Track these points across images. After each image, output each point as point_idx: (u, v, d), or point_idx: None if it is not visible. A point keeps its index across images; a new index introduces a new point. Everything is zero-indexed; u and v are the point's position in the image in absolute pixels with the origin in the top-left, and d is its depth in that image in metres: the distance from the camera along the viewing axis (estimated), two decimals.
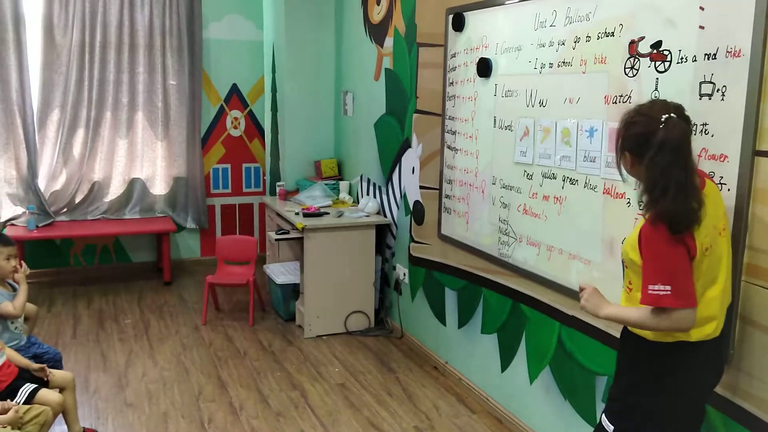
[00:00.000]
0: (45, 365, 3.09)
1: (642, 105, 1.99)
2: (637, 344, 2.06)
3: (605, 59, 2.65)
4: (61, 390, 3.13)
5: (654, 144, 1.86)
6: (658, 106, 1.95)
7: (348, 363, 4.25)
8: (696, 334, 1.95)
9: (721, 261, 1.98)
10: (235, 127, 6.44)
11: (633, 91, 2.51)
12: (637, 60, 2.50)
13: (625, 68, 2.55)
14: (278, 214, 5.15)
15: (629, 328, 2.08)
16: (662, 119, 1.88)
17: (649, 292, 1.90)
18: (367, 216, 4.82)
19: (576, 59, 2.81)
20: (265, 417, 3.54)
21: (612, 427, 2.09)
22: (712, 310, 1.96)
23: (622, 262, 2.10)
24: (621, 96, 2.57)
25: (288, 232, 4.77)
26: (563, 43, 2.88)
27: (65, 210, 5.90)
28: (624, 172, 2.05)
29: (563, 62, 2.89)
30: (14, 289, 3.30)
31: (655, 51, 2.42)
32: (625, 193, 2.56)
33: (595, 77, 2.70)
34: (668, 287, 1.86)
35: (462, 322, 3.90)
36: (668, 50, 2.36)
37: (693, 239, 1.88)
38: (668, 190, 1.85)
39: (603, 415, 2.16)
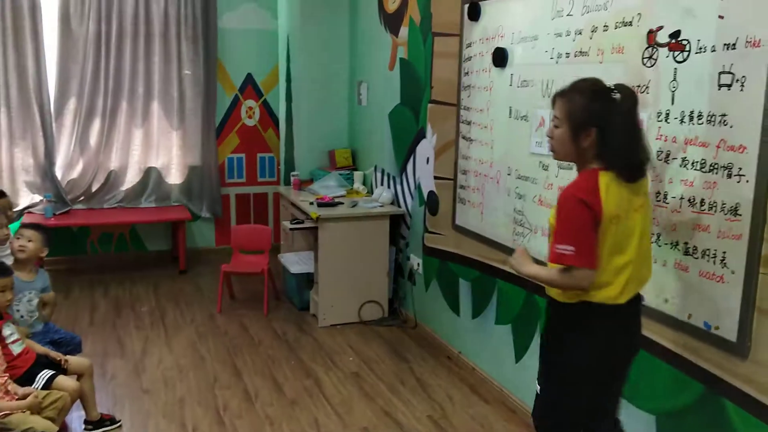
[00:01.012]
0: (62, 355, 3.13)
1: (579, 85, 2.15)
2: (550, 307, 2.29)
3: (623, 49, 2.63)
4: (79, 376, 3.17)
5: (621, 109, 2.08)
6: (591, 80, 2.17)
7: (362, 352, 4.26)
8: (597, 296, 2.12)
9: (634, 234, 2.13)
10: (250, 117, 6.46)
11: (651, 81, 2.49)
12: (655, 50, 2.48)
13: (643, 58, 2.53)
14: (293, 204, 5.16)
15: (546, 293, 2.28)
16: (613, 87, 2.12)
17: (555, 250, 2.09)
18: (381, 206, 4.83)
19: (593, 49, 2.79)
20: (279, 405, 3.56)
21: (538, 387, 2.33)
22: (614, 275, 2.12)
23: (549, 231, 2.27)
24: (639, 86, 2.54)
25: (302, 222, 4.79)
26: (580, 33, 2.86)
27: (82, 198, 5.96)
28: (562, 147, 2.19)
29: (580, 52, 2.87)
30: (36, 277, 3.33)
31: (673, 41, 2.40)
32: None
33: (613, 67, 2.68)
34: (572, 247, 2.05)
35: (476, 312, 3.91)
36: (687, 40, 2.34)
37: (600, 206, 2.06)
38: (640, 141, 2.12)
39: (536, 380, 2.37)
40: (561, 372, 2.25)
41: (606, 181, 2.08)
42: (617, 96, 2.10)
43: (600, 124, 2.09)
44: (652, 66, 2.49)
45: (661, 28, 2.45)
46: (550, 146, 2.26)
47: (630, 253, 2.13)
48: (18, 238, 3.29)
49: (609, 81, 2.66)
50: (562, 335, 2.24)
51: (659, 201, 2.47)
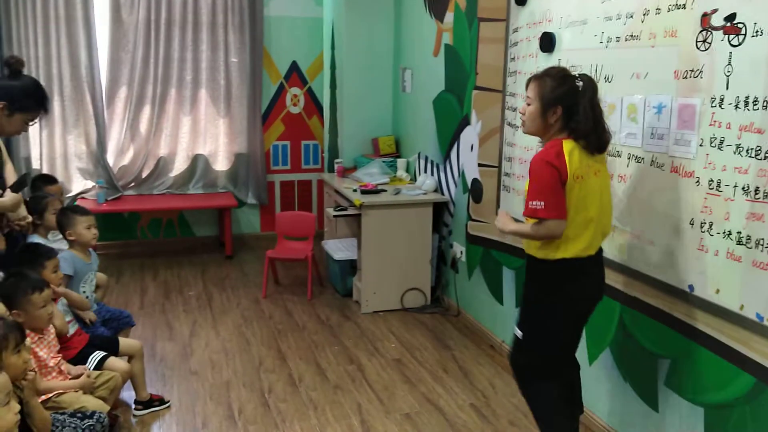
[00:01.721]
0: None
1: (550, 71, 2.53)
2: (531, 264, 2.61)
3: (676, 32, 2.56)
4: (130, 358, 3.27)
5: (585, 93, 2.44)
6: (559, 68, 2.57)
7: (404, 339, 4.28)
8: (570, 250, 2.48)
9: (595, 194, 2.49)
10: (295, 105, 6.50)
11: (705, 66, 2.42)
12: (709, 33, 2.40)
13: (696, 42, 2.46)
14: (336, 191, 5.19)
15: (526, 251, 2.62)
16: (578, 76, 2.48)
17: (529, 206, 2.45)
18: (425, 193, 4.81)
19: (645, 33, 2.72)
20: (323, 389, 3.61)
21: (521, 333, 2.65)
22: (583, 229, 2.47)
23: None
24: (692, 71, 2.47)
25: (346, 209, 4.81)
26: (631, 16, 2.79)
27: (132, 184, 6.10)
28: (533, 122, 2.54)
29: (631, 36, 2.80)
30: (92, 258, 3.44)
31: (728, 24, 2.32)
32: (694, 171, 2.48)
33: (665, 51, 2.61)
34: (542, 202, 2.41)
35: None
36: (743, 23, 2.26)
37: (566, 167, 2.41)
38: (602, 122, 2.48)
39: (515, 327, 2.69)
40: (543, 320, 2.60)
41: (570, 147, 2.45)
42: (580, 83, 2.46)
43: (565, 103, 2.46)
44: (706, 50, 2.42)
45: (715, 10, 2.37)
46: (521, 121, 2.61)
47: (593, 210, 2.49)
48: (89, 227, 3.38)
49: (662, 66, 2.63)
50: (544, 288, 2.58)
51: (712, 189, 2.40)
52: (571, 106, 2.46)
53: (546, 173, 2.42)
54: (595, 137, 2.45)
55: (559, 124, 2.49)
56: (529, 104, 2.55)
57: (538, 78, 2.53)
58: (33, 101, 2.84)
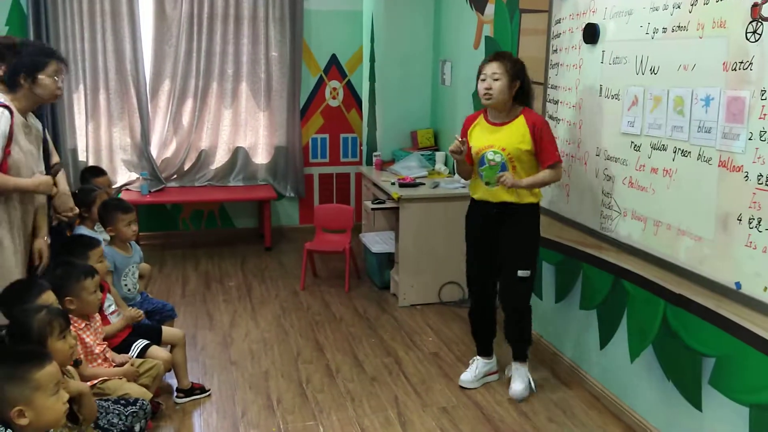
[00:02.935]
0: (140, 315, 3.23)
1: (504, 53, 3.27)
2: (528, 210, 3.29)
3: (724, 23, 2.49)
4: (173, 347, 3.33)
5: (525, 72, 3.24)
6: (507, 52, 3.34)
7: (441, 333, 4.27)
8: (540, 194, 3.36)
9: None
10: (334, 98, 6.52)
11: (755, 57, 2.35)
12: (760, 24, 2.33)
13: (746, 33, 2.38)
14: (374, 184, 5.20)
15: (517, 201, 3.25)
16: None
17: (556, 155, 3.20)
18: (463, 187, 4.78)
19: (692, 23, 2.65)
20: (360, 381, 3.62)
21: (527, 272, 3.30)
22: None
23: (502, 164, 3.23)
24: (741, 62, 2.40)
25: (384, 202, 4.82)
26: (679, 6, 2.72)
27: (175, 176, 6.20)
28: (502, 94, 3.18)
29: (678, 26, 2.73)
30: (133, 251, 3.50)
31: None
32: (743, 166, 2.41)
33: (713, 42, 2.54)
34: (558, 152, 3.23)
35: (559, 296, 3.83)
36: None
37: None
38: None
39: (518, 271, 3.29)
40: (537, 256, 3.37)
41: None
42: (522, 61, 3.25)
43: (520, 78, 3.20)
44: (756, 41, 2.34)
45: (767, 0, 2.30)
46: (489, 95, 3.17)
47: None
48: (129, 224, 3.44)
49: (710, 57, 2.57)
50: (537, 227, 3.34)
51: (761, 184, 2.33)
52: (523, 80, 3.21)
53: (551, 132, 3.27)
54: (533, 102, 3.33)
55: (514, 96, 3.21)
56: (496, 79, 3.15)
57: (500, 58, 3.19)
58: (42, 56, 2.90)
